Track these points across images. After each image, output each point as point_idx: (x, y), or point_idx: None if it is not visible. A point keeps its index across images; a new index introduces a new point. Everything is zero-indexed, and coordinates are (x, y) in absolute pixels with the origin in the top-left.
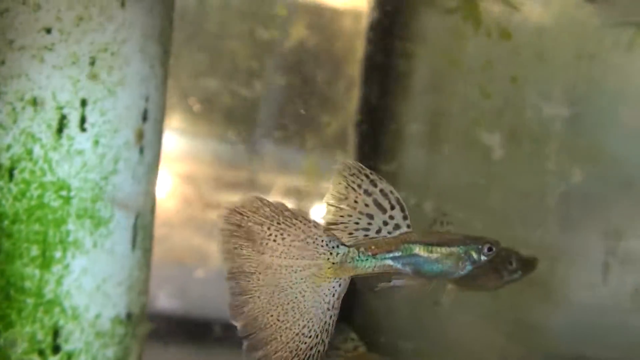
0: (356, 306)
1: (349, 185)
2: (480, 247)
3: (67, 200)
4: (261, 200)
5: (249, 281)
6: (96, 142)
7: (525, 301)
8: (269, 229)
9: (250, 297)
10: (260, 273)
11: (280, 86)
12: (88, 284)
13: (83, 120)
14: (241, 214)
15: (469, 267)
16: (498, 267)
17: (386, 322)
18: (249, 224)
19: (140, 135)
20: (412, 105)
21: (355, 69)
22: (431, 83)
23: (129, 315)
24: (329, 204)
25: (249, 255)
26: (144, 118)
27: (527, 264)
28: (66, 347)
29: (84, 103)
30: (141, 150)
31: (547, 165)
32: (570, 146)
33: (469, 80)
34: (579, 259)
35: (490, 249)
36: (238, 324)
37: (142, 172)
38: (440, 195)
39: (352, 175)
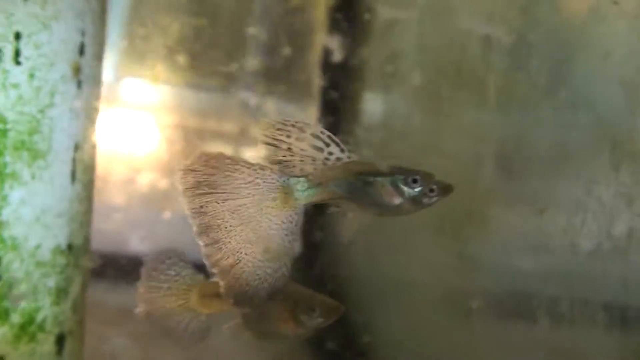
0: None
1: (279, 139)
2: (405, 178)
3: (4, 132)
4: (207, 154)
5: (217, 231)
6: (32, 76)
7: (466, 235)
8: (222, 178)
9: (222, 244)
10: (225, 220)
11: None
12: (27, 215)
13: (17, 53)
14: (194, 170)
15: (398, 200)
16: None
17: (338, 256)
18: (204, 177)
19: (77, 69)
20: (372, 48)
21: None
22: (388, 26)
23: (70, 246)
24: (270, 161)
25: (213, 208)
26: (81, 52)
27: (445, 189)
28: (6, 276)
29: (17, 36)
30: (79, 84)
31: (489, 105)
32: (511, 84)
33: (421, 21)
34: (517, 201)
35: (415, 181)
36: (216, 272)
37: (80, 106)
38: (397, 137)
39: (279, 130)
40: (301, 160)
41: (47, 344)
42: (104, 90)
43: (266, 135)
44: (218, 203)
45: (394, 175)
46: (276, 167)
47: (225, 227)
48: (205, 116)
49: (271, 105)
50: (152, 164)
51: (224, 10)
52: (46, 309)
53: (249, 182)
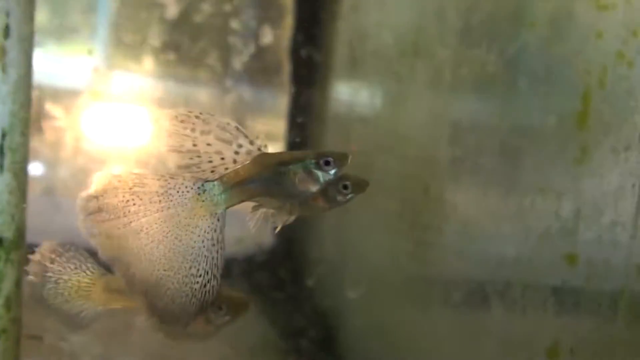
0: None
1: (182, 133)
2: (317, 161)
3: None
4: (106, 176)
5: (127, 255)
6: None
7: (425, 221)
8: (127, 199)
9: (134, 267)
10: (133, 241)
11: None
12: None
13: None
14: (96, 197)
15: (314, 185)
16: (329, 188)
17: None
18: (104, 202)
19: (2, 52)
20: (339, 30)
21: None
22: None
23: (0, 240)
24: (178, 166)
25: (118, 234)
26: (6, 35)
27: (359, 186)
28: None
29: None
30: (4, 69)
31: (442, 89)
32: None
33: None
34: (472, 185)
35: (327, 163)
36: (137, 295)
37: (6, 92)
38: (360, 121)
39: (182, 122)
40: (209, 160)
41: None
42: (93, 81)
43: (170, 128)
44: (121, 227)
45: (305, 160)
46: (187, 173)
47: (135, 248)
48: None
49: (247, 95)
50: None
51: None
52: None
53: (162, 195)
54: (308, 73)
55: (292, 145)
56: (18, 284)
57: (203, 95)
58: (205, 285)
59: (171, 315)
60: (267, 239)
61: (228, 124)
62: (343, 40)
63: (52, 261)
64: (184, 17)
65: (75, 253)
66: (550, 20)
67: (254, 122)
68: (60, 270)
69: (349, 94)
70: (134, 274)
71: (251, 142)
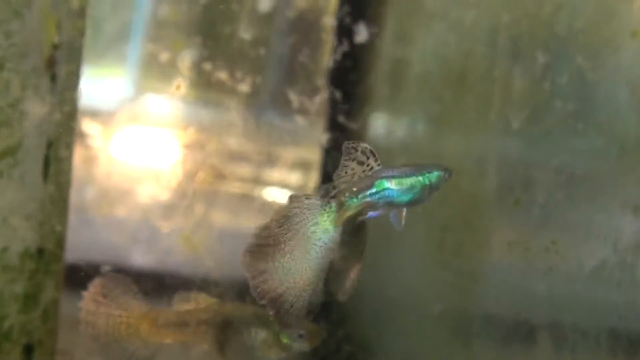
0: None
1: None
2: (440, 172)
3: None
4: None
5: (265, 263)
6: (1, 66)
7: (467, 251)
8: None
9: (269, 276)
10: (274, 253)
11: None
12: None
13: None
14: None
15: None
16: None
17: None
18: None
19: (51, 62)
20: (380, 56)
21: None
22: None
23: (40, 251)
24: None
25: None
26: (56, 45)
27: None
28: None
29: None
30: (53, 78)
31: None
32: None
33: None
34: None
35: (450, 174)
36: (264, 303)
37: (55, 101)
38: (401, 148)
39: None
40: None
41: (13, 355)
42: (124, 105)
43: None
44: (279, 255)
45: (428, 172)
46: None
47: (273, 260)
48: (223, 134)
49: (281, 121)
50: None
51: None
52: (12, 317)
53: (300, 214)
54: (346, 99)
55: (326, 173)
56: (56, 295)
57: (237, 119)
58: (315, 290)
59: (290, 319)
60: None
61: (367, 147)
62: (384, 66)
63: (105, 296)
64: (220, 41)
65: (125, 288)
66: (613, 49)
67: (288, 149)
68: (111, 306)
69: (389, 121)
70: (268, 283)
71: (377, 163)
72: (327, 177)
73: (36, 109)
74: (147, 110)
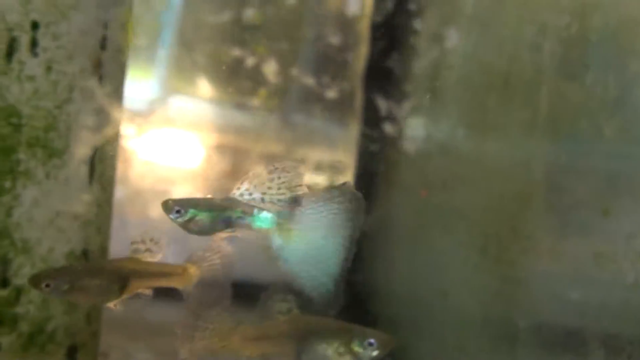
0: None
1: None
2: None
3: (17, 128)
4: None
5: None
6: (49, 68)
7: (512, 257)
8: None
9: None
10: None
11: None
12: (40, 216)
13: (34, 44)
14: None
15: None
16: None
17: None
18: None
19: (98, 64)
20: (417, 59)
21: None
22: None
23: (85, 252)
24: None
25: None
26: (103, 46)
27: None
28: (16, 281)
29: (35, 26)
30: (100, 80)
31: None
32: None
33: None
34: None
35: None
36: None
37: (101, 103)
38: (440, 152)
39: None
40: None
41: (57, 356)
42: (156, 107)
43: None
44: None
45: None
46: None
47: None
48: (249, 135)
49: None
50: (194, 183)
51: (270, 30)
52: (57, 319)
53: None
54: (381, 102)
55: (361, 175)
56: None
57: (272, 123)
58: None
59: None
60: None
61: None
62: (422, 70)
63: (200, 310)
64: (253, 44)
65: (217, 301)
66: None
67: (321, 151)
68: (206, 320)
69: (426, 125)
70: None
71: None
72: (361, 179)
73: (83, 110)
74: (181, 112)
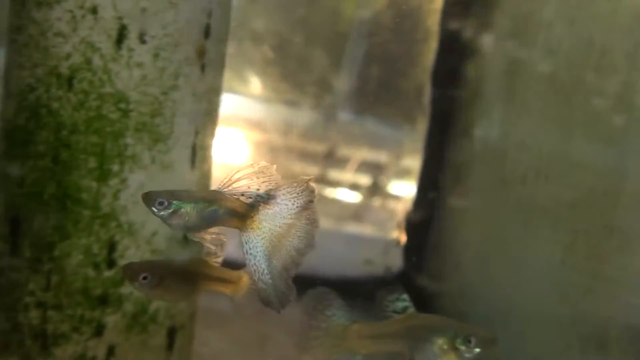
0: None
1: None
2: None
3: (126, 113)
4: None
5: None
6: (156, 55)
7: (603, 254)
8: None
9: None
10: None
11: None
12: None
13: (143, 31)
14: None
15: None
16: None
17: (455, 272)
18: None
19: (201, 52)
20: (492, 54)
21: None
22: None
23: (185, 236)
24: None
25: None
26: (206, 34)
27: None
28: (121, 263)
29: (144, 13)
30: (203, 68)
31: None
32: None
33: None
34: None
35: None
36: None
37: (203, 91)
38: (518, 147)
39: None
40: None
41: (158, 337)
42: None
43: None
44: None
45: None
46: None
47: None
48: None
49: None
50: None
51: (322, 26)
52: (159, 301)
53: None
54: (451, 98)
55: (428, 172)
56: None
57: (339, 124)
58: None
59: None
60: (397, 262)
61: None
62: (497, 65)
63: (317, 309)
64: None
65: (332, 301)
66: None
67: (385, 152)
68: (320, 319)
69: (503, 120)
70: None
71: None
72: (428, 177)
73: (186, 97)
74: (233, 109)
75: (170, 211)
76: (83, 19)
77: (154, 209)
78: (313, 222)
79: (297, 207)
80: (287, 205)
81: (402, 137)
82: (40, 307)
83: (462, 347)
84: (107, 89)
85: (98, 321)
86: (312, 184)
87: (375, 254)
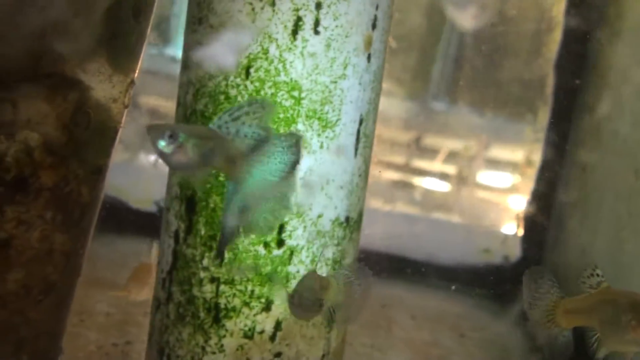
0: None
1: None
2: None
3: (298, 100)
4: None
5: None
6: (328, 46)
7: None
8: None
9: None
10: None
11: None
12: (313, 183)
13: (317, 23)
14: None
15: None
16: None
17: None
18: None
19: (369, 42)
20: (621, 46)
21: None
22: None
23: (347, 219)
24: None
25: None
26: (374, 25)
27: None
28: (289, 242)
29: (318, 6)
30: (369, 58)
31: None
32: None
33: None
34: None
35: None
36: None
37: (368, 80)
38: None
39: None
40: None
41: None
42: None
43: None
44: None
45: None
46: None
47: None
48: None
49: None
50: None
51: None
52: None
53: None
54: (576, 89)
55: (548, 164)
56: (355, 262)
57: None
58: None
59: None
60: (515, 250)
61: None
62: (626, 58)
63: (536, 287)
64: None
65: (546, 278)
66: None
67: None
68: (535, 296)
69: (634, 109)
70: None
71: None
72: (548, 173)
73: (354, 86)
74: None
75: (176, 145)
76: (262, 10)
77: (162, 141)
78: (290, 187)
79: (281, 163)
80: (272, 160)
81: (523, 128)
82: (213, 282)
83: None
84: (282, 78)
85: (267, 297)
86: (301, 143)
87: (494, 243)
